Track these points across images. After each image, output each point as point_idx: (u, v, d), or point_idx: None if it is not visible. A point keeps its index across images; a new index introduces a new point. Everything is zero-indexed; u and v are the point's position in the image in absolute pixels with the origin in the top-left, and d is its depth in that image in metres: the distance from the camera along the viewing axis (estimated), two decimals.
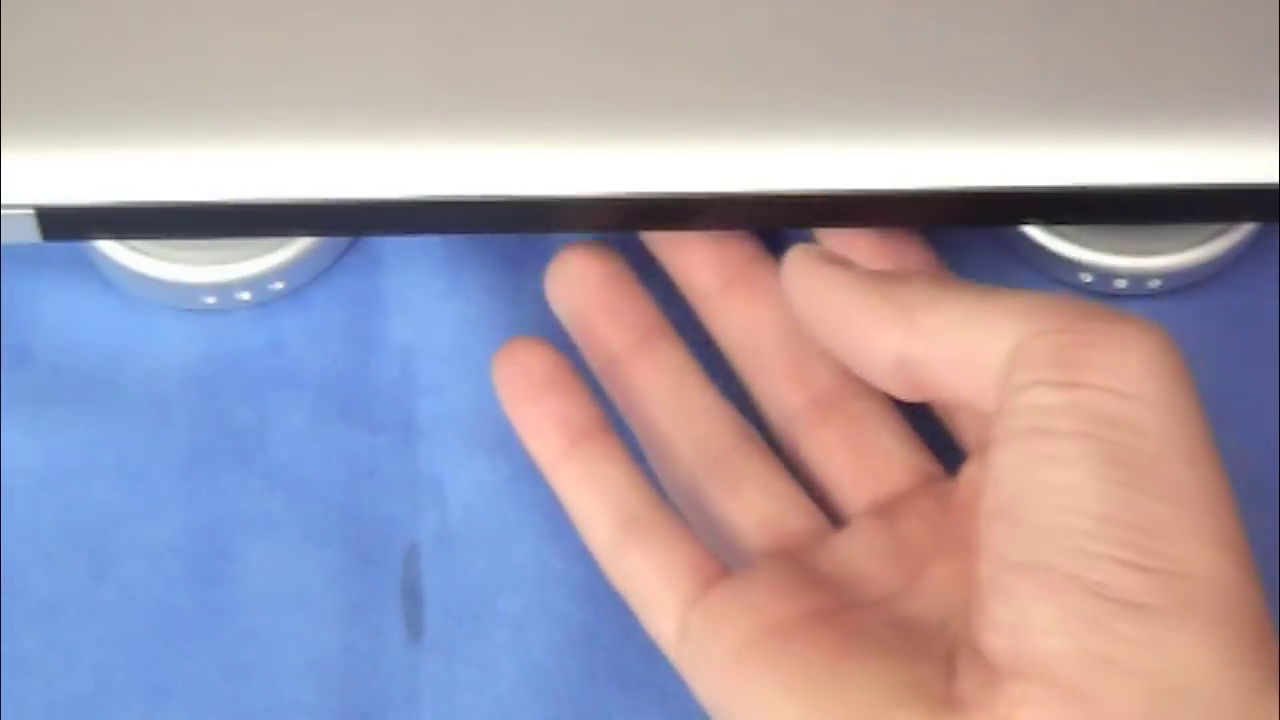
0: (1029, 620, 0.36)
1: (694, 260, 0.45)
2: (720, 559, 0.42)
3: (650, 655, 0.45)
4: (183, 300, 0.47)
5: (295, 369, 0.47)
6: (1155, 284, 0.47)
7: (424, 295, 0.48)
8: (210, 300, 0.47)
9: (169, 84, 0.43)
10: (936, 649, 0.39)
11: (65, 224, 0.43)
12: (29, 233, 0.43)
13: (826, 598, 0.41)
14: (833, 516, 0.44)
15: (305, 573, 0.46)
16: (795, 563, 0.42)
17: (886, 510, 0.42)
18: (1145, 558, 0.36)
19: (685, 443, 0.44)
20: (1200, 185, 0.43)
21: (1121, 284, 0.47)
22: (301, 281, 0.48)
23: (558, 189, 0.43)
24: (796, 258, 0.42)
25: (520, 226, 0.44)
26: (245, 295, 0.47)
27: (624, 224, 0.44)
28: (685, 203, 0.43)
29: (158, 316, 0.48)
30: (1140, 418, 0.37)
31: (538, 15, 0.43)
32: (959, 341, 0.39)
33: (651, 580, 0.42)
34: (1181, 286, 0.48)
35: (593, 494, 0.43)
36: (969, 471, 0.42)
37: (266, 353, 0.48)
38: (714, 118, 0.42)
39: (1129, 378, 0.37)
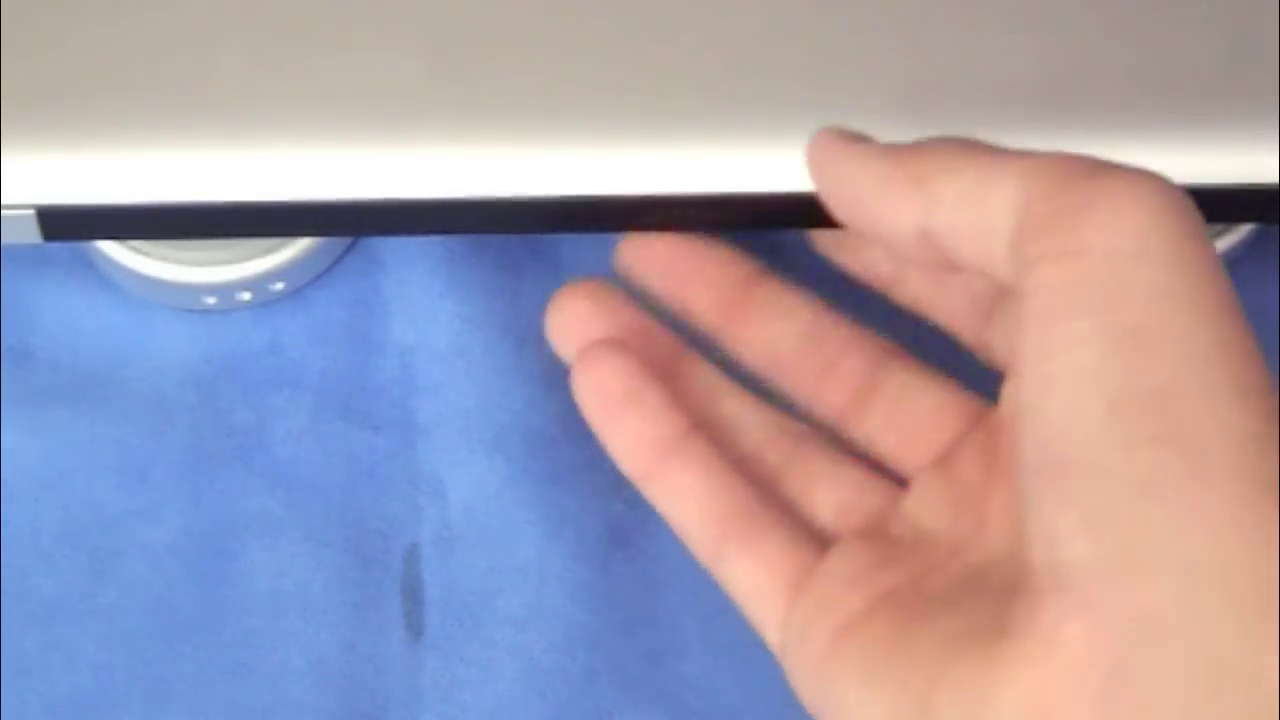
0: (1056, 528, 0.34)
1: (692, 292, 0.44)
2: (810, 546, 0.41)
3: (650, 655, 0.44)
4: (183, 300, 0.47)
5: (295, 369, 0.47)
6: None
7: (424, 295, 0.48)
8: (210, 300, 0.47)
9: (169, 84, 0.43)
10: (1002, 585, 0.36)
11: (65, 224, 0.43)
12: (29, 233, 0.43)
13: (901, 571, 0.40)
14: (902, 485, 0.42)
15: (305, 573, 0.46)
16: (872, 542, 0.41)
17: (944, 460, 0.41)
18: (1156, 429, 0.34)
19: (747, 457, 0.43)
20: (1200, 185, 0.43)
21: None
22: (301, 281, 0.48)
23: (557, 189, 0.43)
24: (819, 141, 0.41)
25: (520, 226, 0.44)
26: (245, 295, 0.47)
27: (626, 224, 0.44)
28: (686, 203, 0.43)
29: (158, 316, 0.48)
30: (1147, 277, 0.35)
31: (537, 15, 0.43)
32: (972, 207, 0.37)
33: (749, 591, 0.41)
34: None
35: (685, 507, 0.42)
36: (1007, 388, 0.40)
37: (266, 353, 0.48)
38: (712, 118, 0.42)
39: (1133, 234, 0.35)
